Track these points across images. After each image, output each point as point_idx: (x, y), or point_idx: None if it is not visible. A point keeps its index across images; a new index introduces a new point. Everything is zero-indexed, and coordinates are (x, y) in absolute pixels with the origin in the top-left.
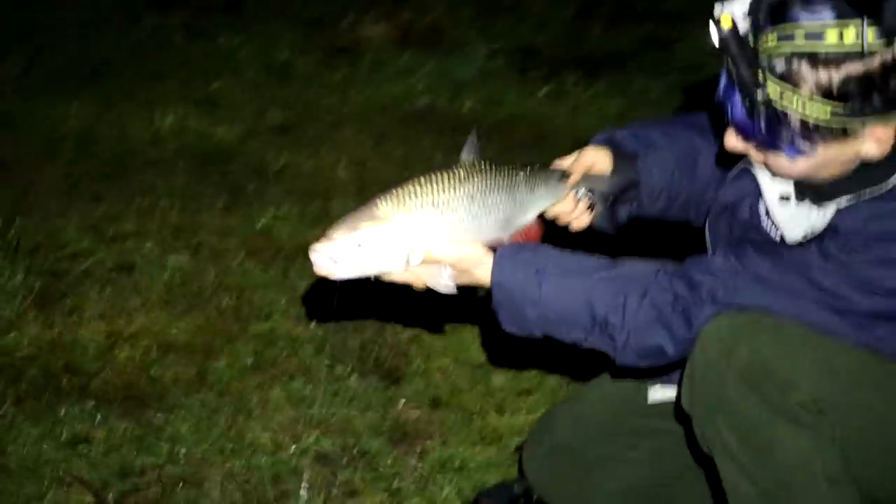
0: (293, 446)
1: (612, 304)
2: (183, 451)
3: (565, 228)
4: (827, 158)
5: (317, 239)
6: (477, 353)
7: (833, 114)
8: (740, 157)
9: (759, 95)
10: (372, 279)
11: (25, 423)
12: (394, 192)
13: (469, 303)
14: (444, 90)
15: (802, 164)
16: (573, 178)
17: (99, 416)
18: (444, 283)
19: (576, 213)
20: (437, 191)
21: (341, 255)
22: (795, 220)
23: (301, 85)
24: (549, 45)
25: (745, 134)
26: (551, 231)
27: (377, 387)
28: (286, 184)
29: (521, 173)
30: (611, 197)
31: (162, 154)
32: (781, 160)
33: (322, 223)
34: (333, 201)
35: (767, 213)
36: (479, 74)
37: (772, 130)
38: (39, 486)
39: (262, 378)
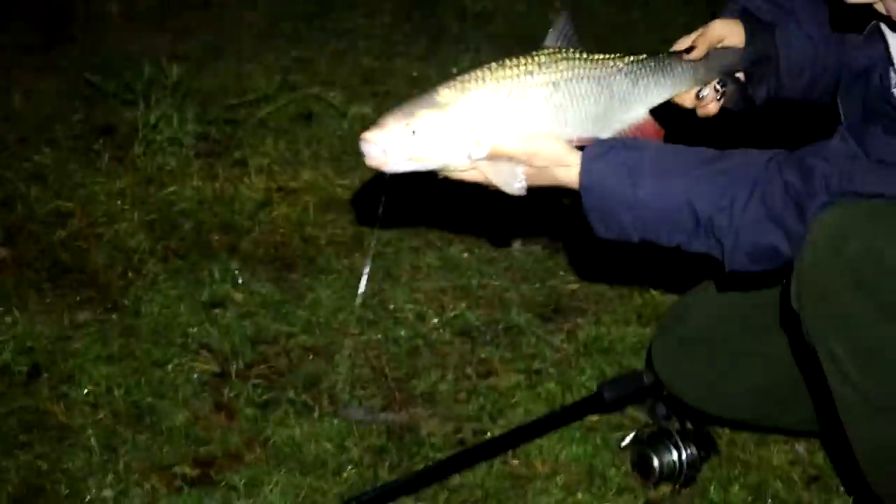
0: (436, 318)
1: (717, 203)
2: (320, 319)
3: (690, 113)
4: None
5: (368, 126)
6: None
7: None
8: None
9: None
10: (437, 176)
11: (167, 282)
12: (460, 77)
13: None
14: None
15: None
16: (696, 53)
17: (241, 279)
18: (514, 182)
19: (704, 101)
20: (511, 76)
21: (393, 144)
22: None
23: None
24: None
25: None
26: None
27: (539, 256)
28: (491, 28)
29: (621, 62)
30: (743, 73)
31: None
32: None
33: None
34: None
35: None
36: None
37: None
38: (166, 352)
39: (419, 242)
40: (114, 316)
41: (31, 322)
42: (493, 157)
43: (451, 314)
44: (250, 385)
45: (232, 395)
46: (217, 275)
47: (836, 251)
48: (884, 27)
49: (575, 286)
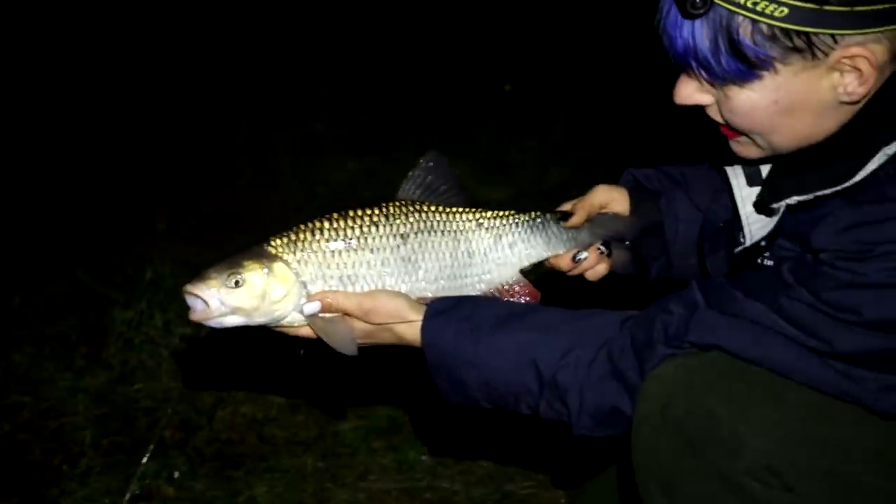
0: None
1: (561, 360)
2: None
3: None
4: (793, 94)
5: (192, 279)
6: None
7: (791, 13)
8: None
9: None
10: (272, 329)
11: (99, 476)
12: (295, 227)
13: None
14: None
15: (763, 103)
16: (575, 220)
17: (178, 473)
18: (346, 342)
19: (583, 265)
20: (353, 226)
21: (214, 297)
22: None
23: None
24: None
25: (686, 58)
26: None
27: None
28: None
29: (482, 216)
30: (629, 244)
31: None
32: (737, 96)
33: None
34: None
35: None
36: None
37: (716, 45)
38: None
39: (379, 444)
40: None
41: None
42: (326, 313)
43: None
44: None
45: None
46: (154, 468)
47: (664, 410)
48: (728, 170)
49: (531, 490)
